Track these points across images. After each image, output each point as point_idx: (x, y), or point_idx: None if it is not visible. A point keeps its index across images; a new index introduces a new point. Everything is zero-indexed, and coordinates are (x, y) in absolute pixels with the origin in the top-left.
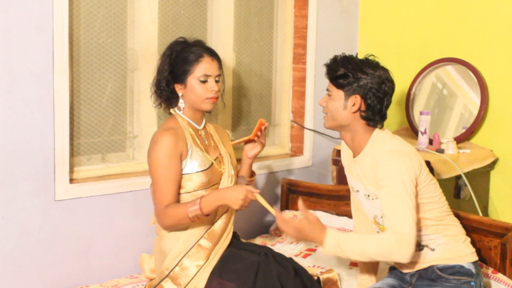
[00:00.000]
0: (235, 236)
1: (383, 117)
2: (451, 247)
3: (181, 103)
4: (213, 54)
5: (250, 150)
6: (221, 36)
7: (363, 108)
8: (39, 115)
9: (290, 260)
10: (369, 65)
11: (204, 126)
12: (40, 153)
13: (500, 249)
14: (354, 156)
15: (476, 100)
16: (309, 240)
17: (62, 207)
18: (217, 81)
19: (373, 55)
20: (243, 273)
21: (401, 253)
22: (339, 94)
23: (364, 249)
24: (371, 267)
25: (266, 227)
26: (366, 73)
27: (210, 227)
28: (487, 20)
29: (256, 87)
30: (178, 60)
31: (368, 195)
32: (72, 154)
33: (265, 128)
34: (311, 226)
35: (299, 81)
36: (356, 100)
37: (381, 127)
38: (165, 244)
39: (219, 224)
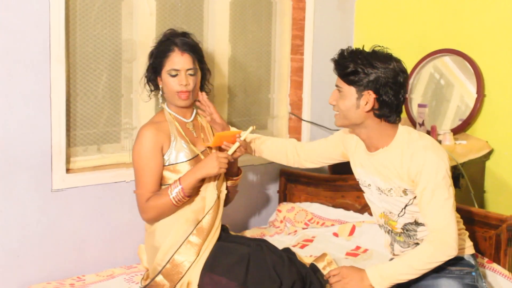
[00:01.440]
0: (223, 229)
1: (400, 111)
2: None
3: (160, 95)
4: (184, 48)
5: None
6: (218, 27)
7: (376, 106)
8: (36, 107)
9: (285, 249)
10: (380, 59)
11: (195, 119)
12: (37, 144)
13: (495, 240)
14: (371, 151)
15: (473, 91)
16: (356, 285)
17: (59, 198)
18: (191, 75)
19: (380, 46)
20: (234, 266)
21: (447, 255)
22: (350, 90)
23: (412, 267)
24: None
25: (264, 218)
26: (377, 68)
27: (198, 223)
28: (483, 11)
29: (254, 79)
30: (157, 54)
31: (390, 190)
32: (68, 145)
33: (238, 139)
34: (350, 275)
35: (297, 72)
36: (369, 97)
37: (400, 121)
38: (156, 239)
39: (207, 219)
